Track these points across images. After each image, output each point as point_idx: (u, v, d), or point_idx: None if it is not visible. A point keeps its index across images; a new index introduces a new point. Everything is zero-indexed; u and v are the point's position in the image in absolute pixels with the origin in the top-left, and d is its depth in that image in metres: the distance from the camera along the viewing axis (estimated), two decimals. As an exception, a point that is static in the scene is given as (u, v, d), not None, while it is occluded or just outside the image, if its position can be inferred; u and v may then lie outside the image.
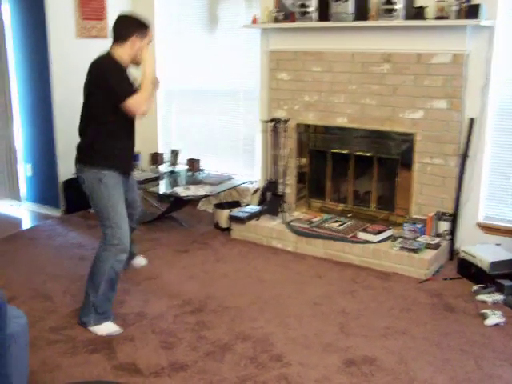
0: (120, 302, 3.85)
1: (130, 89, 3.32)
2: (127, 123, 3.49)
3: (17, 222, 5.70)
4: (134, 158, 6.08)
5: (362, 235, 4.59)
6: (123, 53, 3.39)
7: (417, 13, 4.38)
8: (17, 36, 5.68)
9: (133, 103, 3.27)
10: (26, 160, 6.01)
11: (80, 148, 3.51)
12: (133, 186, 3.90)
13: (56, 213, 5.80)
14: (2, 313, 2.37)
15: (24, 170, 6.04)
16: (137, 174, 5.50)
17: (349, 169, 5.12)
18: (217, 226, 5.33)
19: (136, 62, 3.46)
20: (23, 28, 5.61)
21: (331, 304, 3.87)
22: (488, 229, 4.59)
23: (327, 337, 3.44)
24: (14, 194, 6.10)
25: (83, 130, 3.49)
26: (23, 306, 3.71)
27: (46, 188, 5.89)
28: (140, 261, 4.45)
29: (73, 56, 5.42)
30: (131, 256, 4.14)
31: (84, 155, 3.48)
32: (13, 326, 2.54)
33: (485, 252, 4.18)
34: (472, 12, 4.12)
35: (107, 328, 3.47)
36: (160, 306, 3.83)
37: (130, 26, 3.41)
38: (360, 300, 3.94)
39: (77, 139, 3.54)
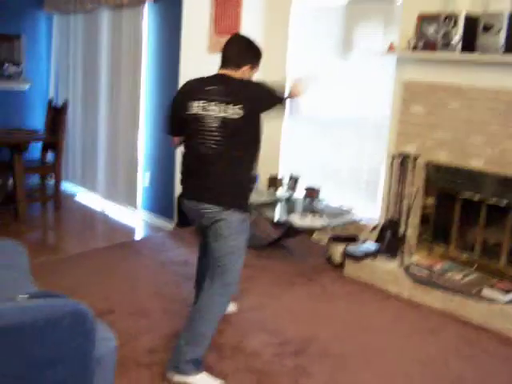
0: (218, 331, 3.66)
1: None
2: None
3: (130, 231, 5.75)
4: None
5: (487, 292, 4.13)
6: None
7: None
8: (152, 48, 5.74)
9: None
10: (145, 169, 6.05)
11: (222, 189, 3.07)
12: None
13: (168, 225, 5.77)
14: (91, 336, 2.23)
15: (142, 179, 6.08)
16: (254, 197, 5.35)
17: (479, 216, 4.66)
18: (329, 260, 5.04)
19: None
20: (159, 39, 5.67)
21: (445, 366, 3.47)
22: None
23: (438, 405, 3.07)
24: (131, 202, 6.15)
25: (221, 167, 3.05)
26: (119, 322, 3.64)
27: (162, 199, 5.89)
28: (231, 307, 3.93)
29: (201, 70, 5.37)
30: None
31: (230, 197, 3.06)
32: (101, 349, 2.41)
33: None
34: None
35: (207, 382, 3.10)
36: (258, 341, 3.60)
37: (247, 55, 3.13)
38: (478, 366, 3.50)
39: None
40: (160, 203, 5.92)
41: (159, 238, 5.45)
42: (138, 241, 5.43)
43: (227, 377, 3.17)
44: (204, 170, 3.08)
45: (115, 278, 4.44)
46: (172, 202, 5.70)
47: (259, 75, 3.32)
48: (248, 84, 3.11)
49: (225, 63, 3.13)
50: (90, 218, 6.23)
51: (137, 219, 6.05)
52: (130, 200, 6.17)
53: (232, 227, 3.06)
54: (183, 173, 3.24)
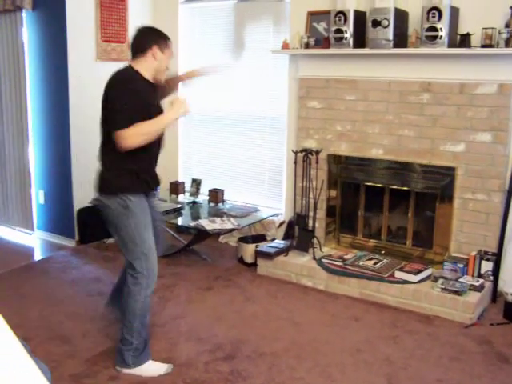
0: (145, 345, 3.56)
1: (134, 114, 2.97)
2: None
3: (29, 252, 5.41)
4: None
5: (399, 274, 4.30)
6: (144, 66, 3.15)
7: (462, 40, 4.15)
8: (35, 57, 5.44)
9: (122, 136, 2.94)
10: (38, 186, 5.74)
11: (101, 175, 3.21)
12: (154, 209, 3.53)
13: (70, 243, 5.51)
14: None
15: (36, 197, 5.76)
16: (156, 205, 5.23)
17: (383, 203, 4.85)
18: (241, 260, 5.04)
19: (158, 80, 3.25)
20: (42, 49, 5.38)
21: (373, 351, 3.57)
22: (534, 270, 4.32)
23: (375, 390, 3.14)
24: (26, 222, 5.81)
25: (100, 154, 3.22)
26: (39, 349, 3.42)
27: (60, 216, 5.60)
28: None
29: (91, 79, 5.18)
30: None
31: (105, 182, 3.18)
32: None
33: (537, 296, 3.89)
34: (524, 40, 3.89)
35: (152, 368, 3.24)
36: (189, 350, 3.53)
37: (149, 37, 3.18)
38: (404, 347, 3.64)
39: (93, 166, 3.33)
40: (59, 221, 5.62)
41: (63, 257, 5.18)
42: (39, 261, 5.13)
43: (164, 391, 3.08)
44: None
45: (24, 303, 4.17)
46: (72, 219, 5.45)
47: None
48: (120, 83, 3.09)
49: (132, 53, 3.21)
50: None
51: (34, 240, 5.72)
52: (24, 221, 5.82)
53: (114, 214, 3.14)
54: None
